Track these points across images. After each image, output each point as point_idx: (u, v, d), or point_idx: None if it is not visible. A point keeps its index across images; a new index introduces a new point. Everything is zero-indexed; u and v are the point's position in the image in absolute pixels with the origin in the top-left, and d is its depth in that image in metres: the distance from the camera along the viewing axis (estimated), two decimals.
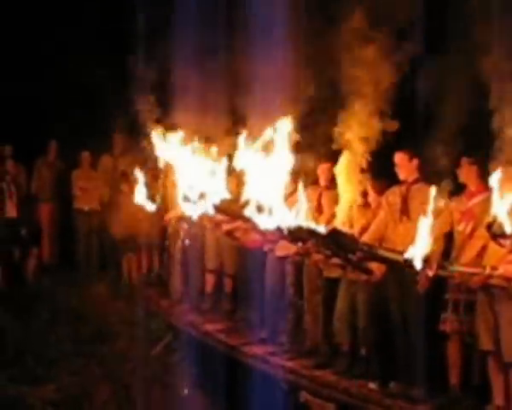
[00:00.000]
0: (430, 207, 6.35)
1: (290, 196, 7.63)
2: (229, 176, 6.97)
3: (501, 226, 5.84)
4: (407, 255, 6.34)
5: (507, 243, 6.05)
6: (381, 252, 7.55)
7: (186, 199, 6.92)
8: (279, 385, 8.35)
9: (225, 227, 9.66)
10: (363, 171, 8.00)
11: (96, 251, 12.88)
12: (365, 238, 7.80)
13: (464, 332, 7.26)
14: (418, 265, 6.25)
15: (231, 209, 7.22)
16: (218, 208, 6.96)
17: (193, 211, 7.06)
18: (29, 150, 12.96)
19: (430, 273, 6.52)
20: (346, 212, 8.32)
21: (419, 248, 6.22)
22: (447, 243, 7.39)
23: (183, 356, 9.85)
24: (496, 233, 6.14)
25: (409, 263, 6.36)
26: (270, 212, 7.89)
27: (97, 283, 11.69)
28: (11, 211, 12.57)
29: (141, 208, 11.20)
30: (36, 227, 13.09)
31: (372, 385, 7.88)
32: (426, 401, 7.36)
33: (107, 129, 12.55)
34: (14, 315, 10.74)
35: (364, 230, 8.02)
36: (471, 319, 7.16)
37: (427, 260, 6.27)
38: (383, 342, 7.94)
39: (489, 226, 6.26)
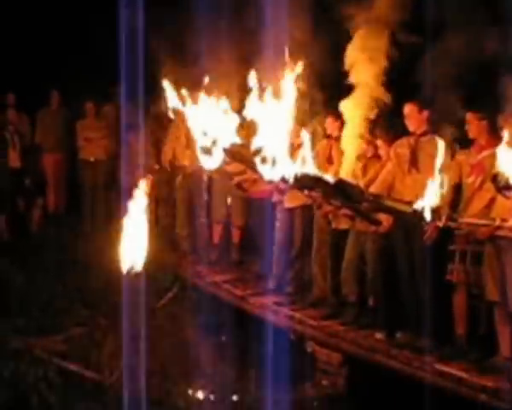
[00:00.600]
0: (439, 159, 6.37)
1: (299, 148, 7.64)
2: (240, 127, 6.97)
3: (507, 179, 5.86)
4: (417, 206, 6.38)
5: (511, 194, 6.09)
6: (389, 203, 7.60)
7: (203, 150, 6.92)
8: (286, 335, 8.43)
9: (235, 180, 9.71)
10: (371, 122, 8.00)
11: (101, 202, 12.87)
12: (372, 190, 7.81)
13: (471, 283, 7.31)
14: (428, 216, 6.28)
15: (241, 154, 7.23)
16: (228, 152, 6.96)
17: (208, 162, 7.07)
18: (33, 100, 12.91)
19: (440, 224, 6.55)
20: (352, 163, 8.33)
21: (429, 200, 6.25)
22: (455, 196, 7.41)
23: (190, 307, 9.90)
24: (501, 185, 6.17)
25: (418, 214, 6.40)
26: (274, 162, 7.91)
27: (103, 233, 11.70)
28: (14, 161, 12.56)
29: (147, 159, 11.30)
30: (40, 177, 13.10)
31: (379, 335, 7.98)
32: (432, 352, 7.43)
33: (111, 78, 12.48)
34: (20, 266, 10.77)
35: (372, 181, 8.04)
36: (478, 269, 7.21)
37: (436, 212, 6.31)
38: (390, 292, 8.00)
39: (494, 178, 6.30)
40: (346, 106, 7.89)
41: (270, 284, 9.40)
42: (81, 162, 12.89)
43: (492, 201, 7.03)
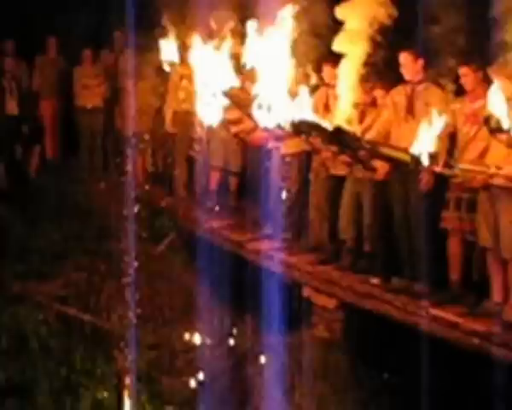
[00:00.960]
0: (436, 107, 6.42)
1: (296, 95, 7.65)
2: (238, 73, 6.99)
3: (498, 122, 5.91)
4: (414, 151, 6.45)
5: (503, 137, 6.15)
6: (385, 150, 7.68)
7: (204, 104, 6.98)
8: (283, 281, 8.51)
9: (233, 129, 9.74)
10: (368, 69, 8.01)
11: (99, 150, 12.89)
12: (369, 137, 7.88)
13: (465, 230, 7.42)
14: (425, 161, 6.36)
15: (239, 98, 7.27)
16: (227, 94, 7.00)
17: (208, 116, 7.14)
18: (31, 47, 12.87)
19: (437, 170, 6.64)
20: (348, 110, 8.35)
21: (426, 145, 6.31)
22: (450, 144, 7.47)
23: (187, 253, 9.99)
24: (493, 128, 6.24)
25: (416, 160, 6.48)
26: (270, 109, 7.96)
27: (101, 180, 11.77)
28: (12, 108, 12.53)
29: (145, 106, 11.29)
30: (38, 124, 13.09)
31: (375, 281, 8.09)
32: (427, 297, 7.53)
33: (108, 25, 12.45)
34: (18, 213, 10.83)
35: (368, 129, 8.09)
36: (472, 216, 7.31)
37: (433, 157, 6.38)
38: (386, 239, 8.12)
39: (486, 121, 6.36)
40: (340, 43, 7.89)
41: (266, 229, 9.47)
42: (78, 109, 12.89)
43: (486, 150, 7.12)
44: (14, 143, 12.76)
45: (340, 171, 8.49)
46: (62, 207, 10.94)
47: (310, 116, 7.28)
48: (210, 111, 6.84)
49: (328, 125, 7.08)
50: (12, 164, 12.65)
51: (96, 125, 12.81)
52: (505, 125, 5.97)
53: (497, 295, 7.12)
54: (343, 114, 8.27)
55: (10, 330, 8.27)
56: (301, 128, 7.82)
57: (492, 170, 6.70)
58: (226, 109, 7.23)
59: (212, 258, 9.31)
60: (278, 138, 8.95)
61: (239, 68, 6.75)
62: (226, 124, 9.42)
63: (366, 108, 8.31)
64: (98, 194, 11.21)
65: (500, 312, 6.99)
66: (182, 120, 10.65)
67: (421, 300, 7.55)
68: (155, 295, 9.31)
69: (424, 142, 6.42)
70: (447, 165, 6.74)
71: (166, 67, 9.62)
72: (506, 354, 6.69)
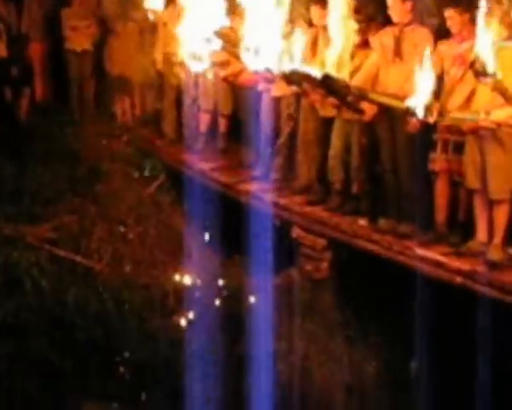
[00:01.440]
0: (427, 51, 6.47)
1: (286, 38, 7.65)
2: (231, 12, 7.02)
3: (483, 65, 5.96)
4: (409, 103, 6.55)
5: (488, 81, 6.20)
6: (374, 97, 7.76)
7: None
8: (272, 222, 8.62)
9: (222, 73, 9.77)
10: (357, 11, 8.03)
11: (89, 92, 12.85)
12: (357, 79, 7.95)
13: (452, 171, 7.50)
14: (420, 113, 6.45)
15: (230, 37, 7.30)
16: (217, 34, 7.03)
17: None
18: None
19: (431, 121, 6.74)
20: (338, 53, 8.38)
21: (421, 97, 6.39)
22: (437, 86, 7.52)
23: (177, 195, 10.05)
24: (478, 71, 6.29)
25: (411, 111, 6.57)
26: (257, 52, 8.01)
27: (91, 123, 11.75)
28: (1, 50, 12.44)
29: (134, 48, 11.27)
30: (27, 67, 13.01)
31: (362, 221, 8.19)
32: (413, 237, 7.65)
33: None
34: (9, 155, 10.82)
35: (357, 70, 8.11)
36: (459, 158, 7.38)
37: (428, 108, 6.47)
38: (374, 180, 8.22)
39: (472, 64, 6.41)
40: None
41: (256, 171, 9.54)
42: (68, 52, 12.81)
43: (473, 92, 7.18)
44: (4, 85, 12.71)
45: (329, 113, 8.51)
46: (53, 150, 10.93)
47: (300, 65, 7.38)
48: (197, 56, 6.90)
49: (317, 72, 7.15)
50: (2, 106, 12.62)
51: (85, 67, 12.72)
52: (490, 68, 6.05)
53: (482, 235, 7.23)
54: (334, 56, 8.35)
55: (4, 271, 8.37)
56: (292, 78, 7.94)
57: (482, 116, 6.81)
58: (214, 53, 7.30)
59: (201, 200, 9.39)
60: (268, 80, 9.01)
61: (232, 8, 6.79)
62: (214, 67, 9.45)
63: (356, 49, 8.32)
64: (88, 136, 11.18)
65: (484, 251, 7.11)
66: (170, 63, 10.63)
67: (408, 240, 7.67)
68: (146, 236, 9.41)
69: (419, 92, 6.53)
70: (441, 113, 6.86)
71: (151, 16, 9.61)
72: (489, 292, 6.83)
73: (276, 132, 9.37)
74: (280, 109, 9.29)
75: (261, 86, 9.38)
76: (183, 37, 6.96)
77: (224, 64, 9.45)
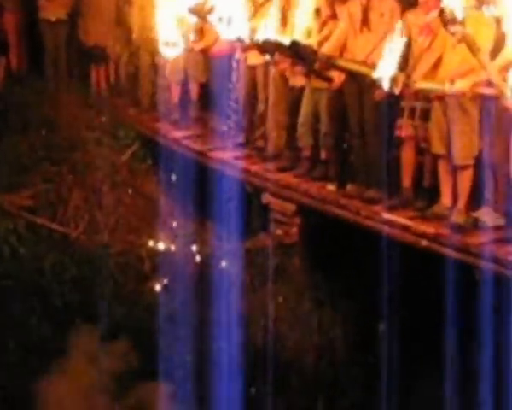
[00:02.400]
0: (397, 23, 6.63)
1: (261, 7, 7.82)
2: None
3: (452, 12, 6.10)
4: (376, 75, 6.76)
5: (457, 29, 6.34)
6: (342, 63, 7.93)
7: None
8: (243, 188, 8.76)
9: (196, 47, 9.90)
10: None
11: (64, 62, 12.85)
12: (326, 48, 8.11)
13: (418, 138, 7.62)
14: (386, 85, 6.65)
15: (202, 11, 7.44)
16: (191, 10, 7.15)
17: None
18: None
19: (396, 92, 6.94)
20: (307, 23, 8.51)
21: (387, 69, 6.57)
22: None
23: (151, 162, 10.17)
24: (447, 19, 6.44)
25: (378, 82, 6.78)
26: (230, 22, 8.18)
27: (66, 92, 11.79)
28: None
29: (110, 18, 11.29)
30: (2, 37, 13.00)
31: (330, 187, 8.32)
32: (380, 202, 7.81)
33: None
34: None
35: (326, 39, 8.22)
36: (426, 125, 7.50)
37: (394, 80, 6.66)
38: (342, 146, 8.35)
39: (441, 13, 6.57)
40: None
41: (228, 139, 9.60)
42: (42, 22, 12.80)
43: (439, 60, 7.32)
44: None
45: (299, 81, 8.62)
46: (29, 119, 10.98)
47: (271, 35, 7.56)
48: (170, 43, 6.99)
49: (285, 40, 7.31)
50: None
51: (60, 37, 12.73)
52: (459, 15, 6.19)
53: (446, 199, 7.38)
54: (303, 24, 8.50)
55: None
56: (265, 48, 8.12)
57: (447, 86, 6.99)
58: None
59: (174, 167, 9.53)
60: (244, 49, 9.13)
61: None
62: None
63: (327, 19, 8.45)
64: (63, 105, 11.22)
65: (449, 215, 7.27)
66: (145, 34, 10.70)
67: (375, 205, 7.83)
68: (120, 204, 9.53)
69: (385, 63, 6.71)
70: (406, 84, 7.05)
71: None
72: (453, 255, 7.00)
73: (252, 100, 9.48)
74: (255, 77, 9.38)
75: (237, 55, 9.47)
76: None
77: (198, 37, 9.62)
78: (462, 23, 6.47)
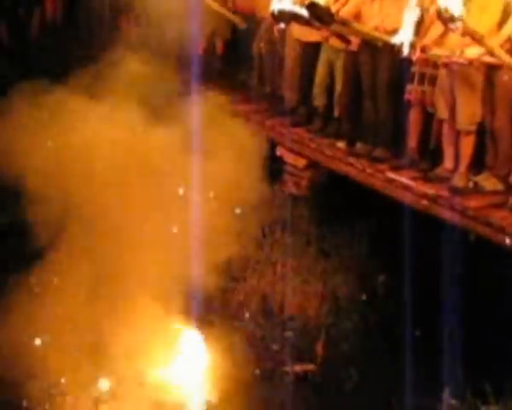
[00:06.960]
0: None
1: None
2: None
3: (448, 10, 6.37)
4: (396, 40, 7.08)
5: (457, 25, 6.62)
6: (359, 27, 8.23)
7: None
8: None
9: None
10: None
11: (96, 13, 13.08)
12: (343, 13, 8.39)
13: (426, 102, 7.87)
14: (406, 50, 6.95)
15: None
16: None
17: None
18: None
19: (414, 58, 7.26)
20: None
21: (407, 35, 6.85)
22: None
23: None
24: (446, 18, 6.71)
25: (397, 48, 7.09)
26: None
27: (99, 41, 11.98)
28: None
29: None
30: None
31: (340, 144, 8.62)
32: (386, 161, 8.14)
33: None
34: (20, 72, 11.13)
35: (342, 7, 8.48)
36: (433, 90, 7.75)
37: (412, 46, 6.97)
38: (354, 106, 8.59)
39: (438, 13, 6.85)
40: None
41: (246, 93, 10.05)
42: None
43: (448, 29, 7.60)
44: (17, 4, 13.02)
45: (314, 37, 8.86)
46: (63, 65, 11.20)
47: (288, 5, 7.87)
48: None
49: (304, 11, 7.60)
50: (14, 23, 12.97)
51: None
52: (456, 12, 6.47)
53: (448, 162, 7.63)
54: None
55: None
56: (281, 17, 8.44)
57: (457, 53, 7.25)
58: None
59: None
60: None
61: None
62: None
63: None
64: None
65: (450, 178, 7.52)
66: None
67: (381, 164, 8.11)
68: None
69: (405, 30, 6.99)
70: (423, 50, 7.35)
71: None
72: (451, 217, 7.25)
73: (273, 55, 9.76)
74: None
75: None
76: None
77: None
78: (461, 18, 6.70)
